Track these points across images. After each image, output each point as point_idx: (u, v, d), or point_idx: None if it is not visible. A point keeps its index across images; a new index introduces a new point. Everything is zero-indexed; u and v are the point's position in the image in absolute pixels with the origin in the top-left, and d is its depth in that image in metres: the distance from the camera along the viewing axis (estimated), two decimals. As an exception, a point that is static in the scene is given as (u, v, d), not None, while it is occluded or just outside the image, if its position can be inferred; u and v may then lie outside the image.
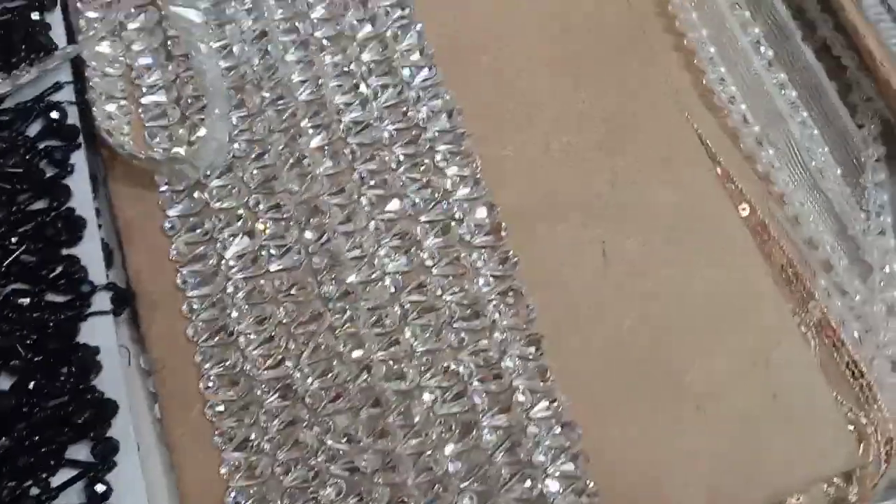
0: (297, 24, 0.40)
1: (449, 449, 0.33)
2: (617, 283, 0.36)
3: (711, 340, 0.35)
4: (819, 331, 0.37)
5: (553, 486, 0.33)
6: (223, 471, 0.33)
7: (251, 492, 0.33)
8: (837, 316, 0.38)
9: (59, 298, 0.34)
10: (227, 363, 0.34)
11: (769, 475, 0.34)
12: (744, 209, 0.39)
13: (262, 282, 0.36)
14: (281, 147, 0.38)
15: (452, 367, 0.34)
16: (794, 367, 0.35)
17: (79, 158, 0.36)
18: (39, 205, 0.35)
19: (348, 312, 0.35)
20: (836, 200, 0.41)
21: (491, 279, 0.36)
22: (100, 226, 0.37)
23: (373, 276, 0.36)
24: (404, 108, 0.38)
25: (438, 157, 0.38)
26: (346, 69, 0.39)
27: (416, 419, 0.33)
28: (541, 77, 0.40)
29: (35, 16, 0.38)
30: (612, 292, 0.36)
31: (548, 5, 0.41)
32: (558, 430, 0.34)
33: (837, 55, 0.43)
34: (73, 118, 0.37)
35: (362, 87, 0.39)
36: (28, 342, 0.32)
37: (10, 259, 0.33)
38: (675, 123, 0.39)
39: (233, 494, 0.33)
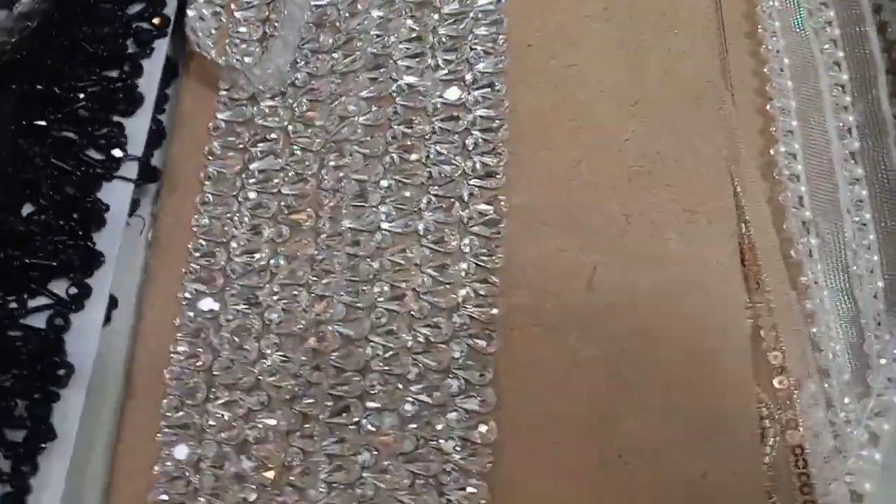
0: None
1: (369, 403, 0.34)
2: (593, 311, 0.36)
3: (663, 401, 0.34)
4: (784, 431, 0.35)
5: (448, 477, 0.33)
6: (170, 349, 0.36)
7: (184, 375, 0.36)
8: (814, 426, 0.36)
9: (97, 156, 0.38)
10: (212, 260, 0.37)
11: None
12: (755, 287, 0.37)
13: (270, 199, 0.38)
14: (333, 88, 0.40)
15: (403, 333, 0.35)
16: (736, 457, 0.34)
17: (161, 45, 0.40)
18: (112, 73, 0.39)
19: (332, 251, 0.37)
20: (864, 312, 0.38)
21: (472, 266, 0.37)
22: (163, 110, 0.41)
23: (366, 227, 0.37)
24: (458, 87, 0.40)
25: (470, 140, 0.39)
26: (419, 36, 0.41)
27: (350, 367, 0.35)
28: (599, 99, 0.40)
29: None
30: (582, 319, 0.36)
31: (633, 39, 0.41)
32: (475, 425, 0.34)
33: (928, 168, 0.40)
34: (171, 9, 0.41)
35: (428, 57, 0.40)
36: (51, 180, 0.36)
37: (70, 109, 0.38)
38: (716, 182, 0.38)
39: (171, 369, 0.36)
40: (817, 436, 0.36)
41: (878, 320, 0.38)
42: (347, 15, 0.41)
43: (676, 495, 0.33)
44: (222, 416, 0.35)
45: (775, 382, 0.36)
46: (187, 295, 0.37)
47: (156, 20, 0.40)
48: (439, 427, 0.34)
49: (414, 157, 0.38)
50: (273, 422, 0.35)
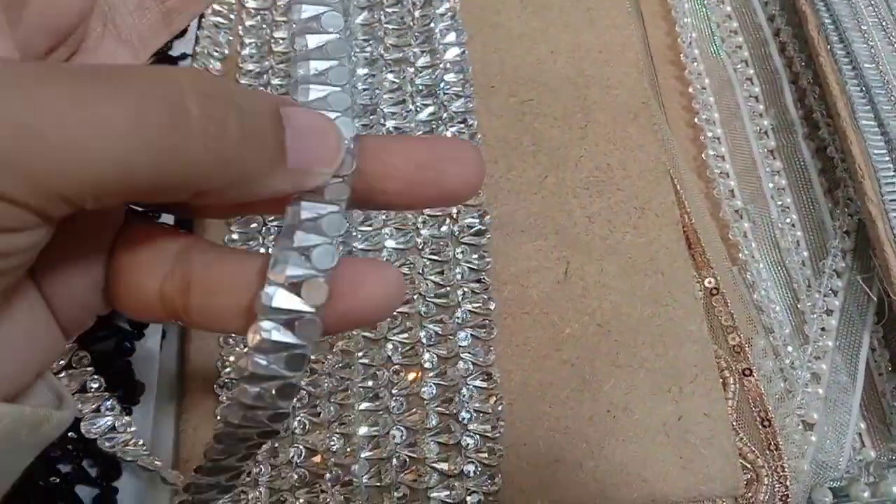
0: (371, 42, 0.50)
1: (395, 390, 0.41)
2: (570, 296, 0.43)
3: (636, 361, 0.41)
4: (741, 378, 0.42)
5: (469, 441, 0.40)
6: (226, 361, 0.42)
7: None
8: (766, 373, 0.43)
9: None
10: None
11: (653, 480, 0.39)
12: (703, 265, 0.45)
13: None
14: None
15: (415, 329, 0.42)
16: (704, 400, 0.40)
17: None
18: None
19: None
20: (795, 277, 0.46)
21: (466, 269, 0.43)
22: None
23: (373, 247, 0.44)
24: (438, 126, 0.47)
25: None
26: (400, 86, 0.49)
27: (373, 361, 0.41)
28: (554, 126, 0.47)
29: None
30: (564, 303, 0.43)
31: (578, 74, 0.49)
32: (486, 398, 0.40)
33: (832, 155, 0.48)
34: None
35: (409, 104, 0.48)
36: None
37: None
38: (658, 183, 0.46)
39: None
40: (770, 380, 0.43)
41: (808, 283, 0.46)
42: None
43: (658, 436, 0.40)
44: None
45: (729, 340, 0.43)
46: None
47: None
48: (456, 401, 0.40)
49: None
50: (315, 415, 0.41)
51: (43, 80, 0.18)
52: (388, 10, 0.50)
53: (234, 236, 0.45)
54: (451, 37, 0.50)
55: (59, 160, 0.17)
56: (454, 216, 0.45)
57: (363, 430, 0.40)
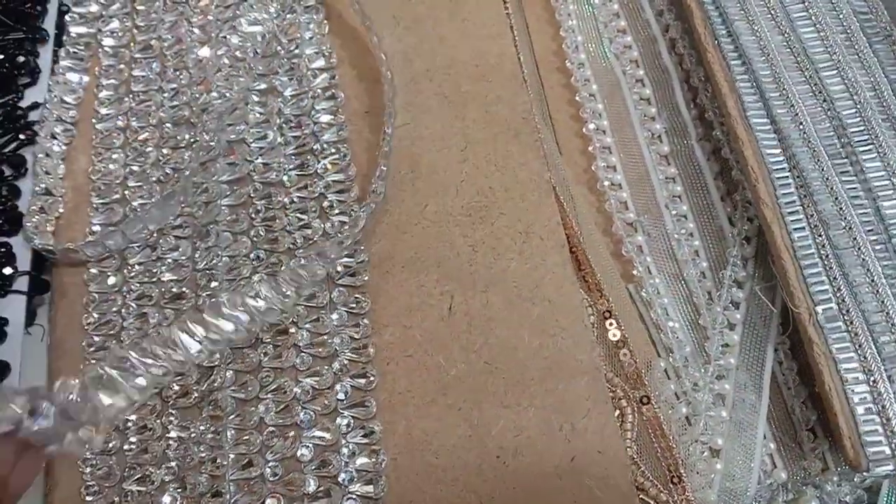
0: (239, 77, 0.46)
1: (269, 455, 0.38)
2: (455, 333, 0.40)
3: (525, 399, 0.39)
4: (639, 407, 0.40)
5: None
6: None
7: (98, 461, 0.39)
8: (667, 398, 0.41)
9: (-9, 273, 0.41)
10: (105, 353, 0.41)
11: (549, 530, 0.36)
12: (596, 300, 0.42)
13: (151, 288, 0.42)
14: (196, 179, 0.44)
15: (290, 386, 0.39)
16: (597, 437, 0.38)
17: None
18: (-9, 199, 0.43)
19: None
20: (694, 291, 0.43)
21: (344, 314, 0.41)
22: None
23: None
24: (309, 158, 0.44)
25: (326, 203, 0.43)
26: (267, 119, 0.45)
27: (247, 427, 0.38)
28: (433, 149, 0.45)
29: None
30: (449, 341, 0.40)
31: (454, 92, 0.46)
32: (368, 455, 0.38)
33: (727, 157, 0.46)
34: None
35: (277, 136, 0.45)
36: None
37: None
38: (541, 203, 0.43)
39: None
40: (672, 406, 0.41)
41: (709, 295, 0.44)
42: (200, 111, 0.46)
43: (551, 480, 0.37)
44: (138, 491, 0.38)
45: (625, 366, 0.41)
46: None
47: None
48: (334, 464, 0.38)
49: (277, 227, 0.43)
50: (184, 488, 0.38)
51: None
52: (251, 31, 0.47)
53: (94, 296, 0.42)
54: (320, 62, 0.47)
55: None
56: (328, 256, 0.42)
57: (236, 500, 0.37)
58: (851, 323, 0.39)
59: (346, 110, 0.46)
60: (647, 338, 0.42)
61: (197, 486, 0.38)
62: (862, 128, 0.43)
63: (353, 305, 0.41)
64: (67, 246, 0.42)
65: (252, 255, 0.42)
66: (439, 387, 0.39)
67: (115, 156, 0.45)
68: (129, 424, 0.39)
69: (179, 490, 0.38)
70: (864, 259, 0.40)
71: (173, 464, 0.38)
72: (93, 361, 0.40)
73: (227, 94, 0.45)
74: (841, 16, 0.47)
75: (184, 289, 0.42)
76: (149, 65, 0.48)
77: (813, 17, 0.47)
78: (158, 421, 0.39)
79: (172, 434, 0.39)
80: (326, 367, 0.40)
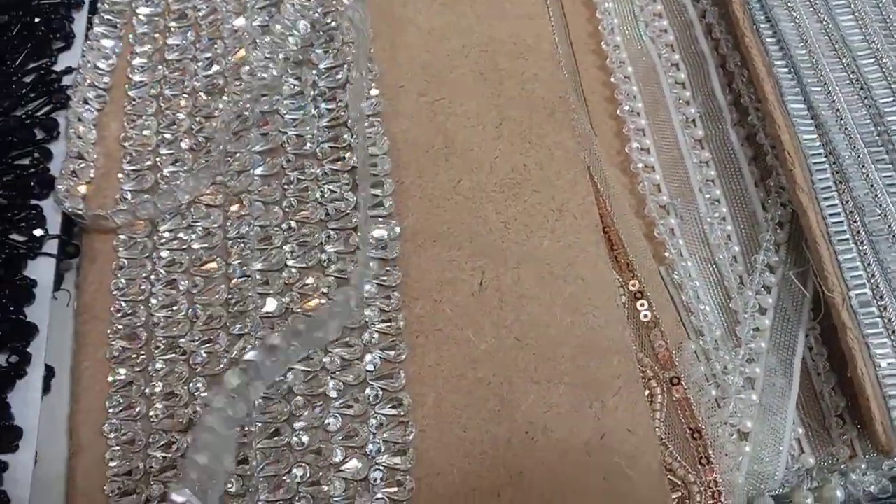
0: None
1: (298, 424, 0.38)
2: (485, 309, 0.40)
3: (556, 376, 0.39)
4: (669, 388, 0.40)
5: (377, 475, 0.37)
6: (107, 405, 0.39)
7: (123, 426, 0.38)
8: (697, 380, 0.40)
9: (20, 238, 0.41)
10: (133, 318, 0.41)
11: (577, 504, 0.36)
12: (625, 267, 0.42)
13: (181, 255, 0.42)
14: (229, 147, 0.44)
15: (319, 356, 0.39)
16: (627, 415, 0.38)
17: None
18: (24, 161, 0.43)
19: (244, 293, 0.40)
20: (726, 275, 0.43)
21: (375, 287, 0.41)
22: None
23: (272, 267, 0.41)
24: (342, 131, 0.44)
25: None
26: (301, 91, 0.45)
27: (275, 395, 0.38)
28: (467, 126, 0.44)
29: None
30: (479, 316, 0.40)
31: (490, 69, 0.46)
32: (396, 427, 0.38)
33: (762, 142, 0.45)
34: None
35: (311, 108, 0.45)
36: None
37: (-10, 199, 0.41)
38: (576, 182, 0.43)
39: (110, 422, 0.39)
40: (701, 388, 0.40)
41: (740, 280, 0.43)
42: (233, 79, 0.46)
43: (581, 457, 0.37)
44: (163, 457, 0.38)
45: (655, 347, 0.41)
46: (115, 353, 0.40)
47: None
48: (363, 434, 0.37)
49: (309, 199, 0.42)
50: (210, 455, 0.38)
51: None
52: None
53: (123, 262, 0.42)
54: (354, 34, 0.47)
55: None
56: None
57: (263, 471, 0.37)
58: (885, 309, 0.39)
59: (381, 83, 0.45)
60: (678, 320, 0.42)
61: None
62: (899, 116, 0.43)
63: (385, 278, 0.41)
64: (98, 212, 0.42)
65: (284, 226, 0.42)
66: (469, 361, 0.39)
67: (147, 122, 0.45)
68: (157, 390, 0.39)
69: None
70: (899, 246, 0.40)
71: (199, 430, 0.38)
72: (119, 328, 0.40)
73: (264, 67, 0.45)
74: (880, 4, 0.46)
75: (214, 256, 0.42)
76: (183, 34, 0.48)
77: (852, 5, 0.46)
78: (185, 388, 0.39)
79: (199, 401, 0.39)
80: (356, 339, 0.39)
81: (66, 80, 0.46)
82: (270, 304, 0.40)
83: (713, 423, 0.40)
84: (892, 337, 0.38)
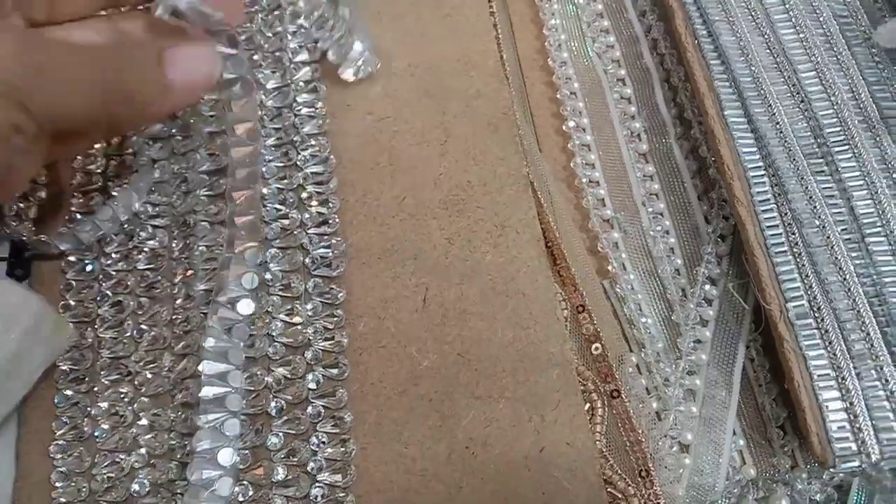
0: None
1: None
2: (429, 325, 0.40)
3: (496, 391, 0.39)
4: (610, 401, 0.40)
5: (317, 492, 0.37)
6: (53, 426, 0.39)
7: (69, 448, 0.39)
8: (638, 392, 0.41)
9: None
10: (82, 340, 0.41)
11: (514, 520, 0.37)
12: (570, 295, 0.42)
13: (126, 277, 0.42)
14: (175, 168, 0.44)
15: (262, 375, 0.39)
16: (566, 429, 0.38)
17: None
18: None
19: (188, 313, 0.41)
20: (668, 287, 0.44)
21: (319, 305, 0.41)
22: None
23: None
24: (288, 150, 0.44)
25: (305, 194, 0.43)
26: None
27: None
28: (413, 143, 0.45)
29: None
30: (422, 332, 0.40)
31: (436, 86, 0.46)
32: (336, 445, 0.38)
33: (704, 155, 0.46)
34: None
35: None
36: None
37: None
38: (518, 198, 0.43)
39: (57, 443, 0.39)
40: (642, 401, 0.41)
41: (683, 292, 0.44)
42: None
43: (520, 471, 0.37)
44: (108, 478, 0.38)
45: (597, 360, 0.41)
46: (61, 374, 0.40)
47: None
48: (304, 453, 0.38)
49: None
50: (154, 476, 0.38)
51: (48, 46, 0.31)
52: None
53: (72, 283, 0.42)
54: (303, 55, 0.47)
55: (53, 93, 0.30)
56: (305, 247, 0.42)
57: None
58: (822, 320, 0.39)
59: (328, 103, 0.46)
60: (620, 333, 0.43)
61: (167, 473, 0.38)
62: (838, 128, 0.43)
63: (328, 296, 0.41)
64: (39, 237, 0.42)
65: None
66: (411, 377, 0.39)
67: (97, 145, 0.45)
68: (101, 410, 0.39)
69: (149, 477, 0.38)
70: (836, 257, 0.40)
71: (143, 451, 0.38)
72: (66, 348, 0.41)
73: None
74: (821, 18, 0.47)
75: (159, 276, 0.42)
76: None
77: (793, 19, 0.47)
78: (130, 408, 0.39)
79: (143, 421, 0.39)
80: (299, 357, 0.40)
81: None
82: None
83: (653, 435, 0.40)
84: (829, 349, 0.39)
